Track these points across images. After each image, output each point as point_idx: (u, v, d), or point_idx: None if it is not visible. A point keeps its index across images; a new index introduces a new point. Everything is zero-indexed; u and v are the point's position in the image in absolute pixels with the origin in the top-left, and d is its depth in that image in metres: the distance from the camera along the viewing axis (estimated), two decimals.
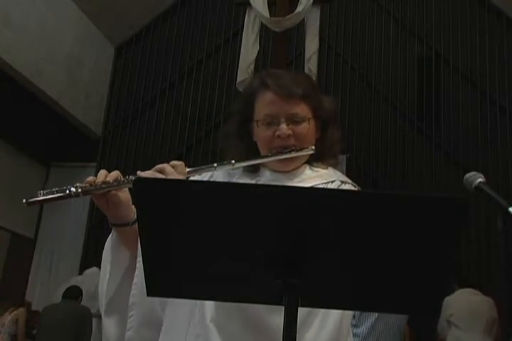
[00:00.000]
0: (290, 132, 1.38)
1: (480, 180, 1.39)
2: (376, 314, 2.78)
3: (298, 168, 1.44)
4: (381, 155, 7.57)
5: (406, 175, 7.44)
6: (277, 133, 1.38)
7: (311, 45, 6.32)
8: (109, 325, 1.37)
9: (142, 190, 0.87)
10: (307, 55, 6.35)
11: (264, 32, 6.69)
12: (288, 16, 6.16)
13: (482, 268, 6.58)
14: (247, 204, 0.85)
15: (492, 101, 7.49)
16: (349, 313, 1.33)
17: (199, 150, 7.81)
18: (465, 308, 4.72)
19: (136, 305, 1.31)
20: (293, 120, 1.39)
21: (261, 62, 6.78)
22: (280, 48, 6.48)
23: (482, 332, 4.65)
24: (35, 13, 6.80)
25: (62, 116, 7.61)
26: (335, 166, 1.47)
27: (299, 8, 6.17)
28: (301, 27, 6.57)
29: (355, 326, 2.76)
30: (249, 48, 6.33)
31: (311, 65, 6.28)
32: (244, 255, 0.91)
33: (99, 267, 1.44)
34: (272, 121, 1.39)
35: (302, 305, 0.92)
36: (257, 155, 1.43)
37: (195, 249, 0.91)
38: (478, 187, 1.38)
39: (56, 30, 7.24)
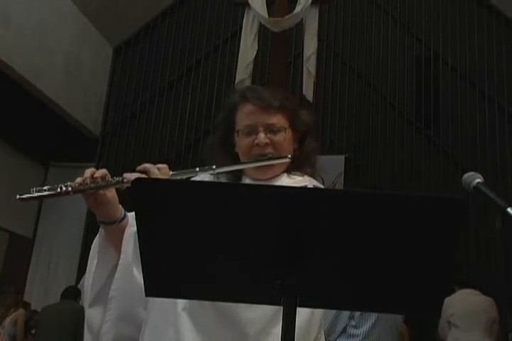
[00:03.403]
0: (267, 141, 1.48)
1: (478, 180, 1.39)
2: (376, 315, 2.78)
3: (276, 176, 1.52)
4: (379, 156, 7.57)
5: (404, 175, 7.44)
6: (256, 141, 1.48)
7: (310, 45, 6.32)
8: (93, 315, 1.43)
9: (141, 190, 0.87)
10: (306, 55, 6.35)
11: (263, 32, 6.68)
12: (286, 16, 6.17)
13: (481, 268, 6.57)
14: (246, 205, 0.85)
15: (491, 101, 7.49)
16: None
17: (198, 150, 7.79)
18: (465, 308, 4.71)
19: (115, 298, 1.38)
20: (270, 129, 1.49)
21: (260, 63, 6.78)
22: (279, 48, 6.47)
23: (482, 332, 4.65)
24: (35, 13, 6.79)
25: (60, 116, 7.61)
26: (312, 175, 1.55)
27: (298, 9, 6.17)
28: (299, 27, 6.57)
29: (355, 327, 2.77)
30: (248, 48, 6.33)
31: (310, 65, 6.28)
32: (242, 255, 0.91)
33: None
34: (251, 131, 1.49)
35: (300, 306, 0.92)
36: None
37: (193, 249, 0.91)
38: (476, 188, 1.38)
39: (55, 31, 7.24)
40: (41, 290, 7.71)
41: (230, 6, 7.81)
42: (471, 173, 1.42)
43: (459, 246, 0.88)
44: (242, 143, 1.50)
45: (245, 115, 1.50)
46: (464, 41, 7.77)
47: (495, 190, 1.37)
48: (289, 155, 1.47)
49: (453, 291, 4.73)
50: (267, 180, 1.51)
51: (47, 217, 8.00)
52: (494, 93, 7.50)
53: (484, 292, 4.88)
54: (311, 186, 1.48)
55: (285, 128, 1.49)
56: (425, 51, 7.92)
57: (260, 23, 6.34)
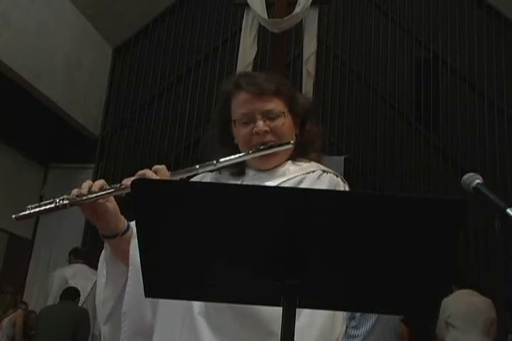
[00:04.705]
0: (267, 128, 1.41)
1: (478, 181, 1.39)
2: (375, 316, 2.79)
3: (281, 164, 1.45)
4: (379, 156, 7.57)
5: (404, 176, 7.45)
6: (255, 130, 1.41)
7: (309, 46, 6.33)
8: (109, 332, 1.39)
9: (141, 191, 0.87)
10: (305, 56, 6.35)
11: (263, 33, 6.69)
12: (286, 17, 6.17)
13: (480, 269, 6.58)
14: (246, 206, 0.85)
15: (490, 102, 7.50)
16: None
17: (198, 151, 7.79)
18: (463, 309, 4.71)
19: (127, 313, 1.33)
20: (268, 116, 1.42)
21: (259, 63, 6.78)
22: (278, 49, 6.47)
23: (480, 333, 4.64)
24: (34, 14, 6.79)
25: (60, 117, 7.60)
26: (318, 160, 1.48)
27: (297, 10, 6.18)
28: (299, 28, 6.58)
29: (355, 328, 2.78)
30: (247, 49, 6.33)
31: (309, 66, 6.28)
32: (242, 256, 0.91)
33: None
34: (248, 120, 1.42)
35: (300, 306, 0.92)
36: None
37: (193, 250, 0.91)
38: (476, 188, 1.39)
39: (55, 31, 7.24)
40: (41, 291, 7.70)
41: (229, 6, 7.81)
42: (471, 174, 1.42)
43: (459, 247, 0.88)
44: (240, 133, 1.44)
45: (240, 104, 1.43)
46: (463, 42, 7.78)
47: (494, 191, 1.37)
48: (292, 141, 1.41)
49: (451, 292, 4.72)
50: (271, 169, 1.44)
51: (46, 218, 7.97)
52: (493, 94, 7.50)
53: (483, 292, 4.88)
54: (318, 171, 1.41)
55: (284, 113, 1.43)
56: (425, 52, 7.92)
57: (260, 23, 6.34)
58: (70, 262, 6.19)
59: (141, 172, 1.33)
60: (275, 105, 1.43)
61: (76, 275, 5.86)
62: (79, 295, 5.47)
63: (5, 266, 7.46)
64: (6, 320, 5.85)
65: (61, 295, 5.41)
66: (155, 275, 0.94)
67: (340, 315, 1.30)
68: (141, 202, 0.87)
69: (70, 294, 5.41)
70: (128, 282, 1.33)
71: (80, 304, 5.53)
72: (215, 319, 1.22)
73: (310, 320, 1.22)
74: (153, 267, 0.93)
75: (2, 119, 6.66)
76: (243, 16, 6.56)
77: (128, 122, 8.41)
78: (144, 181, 0.96)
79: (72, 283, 5.65)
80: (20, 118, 6.95)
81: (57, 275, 5.99)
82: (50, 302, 5.82)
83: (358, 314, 2.77)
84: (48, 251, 7.98)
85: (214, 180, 1.50)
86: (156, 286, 0.96)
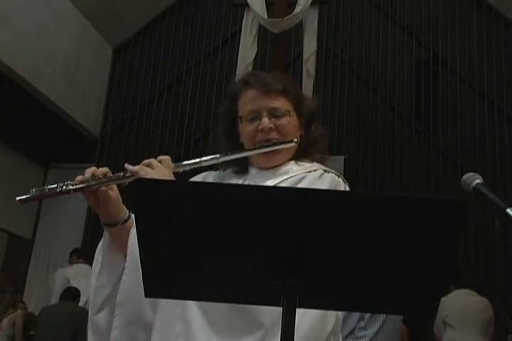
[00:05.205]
0: (272, 125, 1.43)
1: (478, 181, 1.40)
2: (383, 317, 2.78)
3: (283, 163, 1.47)
4: (379, 157, 7.57)
5: (404, 176, 7.44)
6: (260, 126, 1.43)
7: (309, 46, 6.33)
8: (101, 321, 1.37)
9: (142, 191, 0.87)
10: (305, 56, 6.36)
11: (263, 33, 6.69)
12: (286, 17, 6.17)
13: (480, 269, 6.58)
14: (247, 206, 0.86)
15: (490, 102, 7.50)
16: None
17: (197, 152, 7.79)
18: (461, 309, 4.71)
19: (122, 303, 1.32)
20: (274, 114, 1.44)
21: (259, 63, 6.79)
22: (278, 49, 6.48)
23: (478, 332, 4.64)
24: (34, 14, 6.79)
25: (60, 117, 7.60)
26: (321, 161, 1.50)
27: (297, 9, 6.18)
28: (299, 28, 6.58)
29: (363, 328, 2.77)
30: (247, 49, 6.34)
31: (309, 66, 6.28)
32: (243, 256, 0.91)
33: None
34: (254, 117, 1.45)
35: (300, 306, 0.92)
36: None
37: (193, 250, 0.91)
38: (476, 188, 1.39)
39: (55, 31, 7.24)
40: (41, 291, 7.70)
41: (229, 6, 7.81)
42: (471, 174, 1.42)
43: (459, 247, 0.88)
44: (245, 129, 1.46)
45: (248, 100, 1.46)
46: (463, 42, 7.77)
47: (494, 191, 1.37)
48: (295, 139, 1.43)
49: (449, 291, 4.72)
50: (274, 168, 1.46)
51: (46, 218, 8.00)
52: (493, 94, 7.50)
53: (481, 292, 4.87)
54: (320, 170, 1.43)
55: (289, 112, 1.45)
56: (424, 52, 7.92)
57: (260, 23, 6.35)
58: (72, 262, 6.20)
59: (146, 161, 1.37)
60: (281, 103, 1.45)
61: (78, 275, 5.88)
62: (79, 295, 5.47)
63: (5, 266, 7.46)
64: (5, 320, 5.85)
65: (61, 295, 5.41)
66: (155, 275, 0.94)
67: (333, 313, 1.30)
68: (142, 202, 0.87)
69: (70, 294, 5.41)
70: (125, 271, 1.33)
71: (82, 304, 5.53)
72: (208, 306, 1.23)
73: (301, 317, 1.21)
74: (154, 267, 0.93)
75: (2, 119, 6.66)
76: (243, 16, 6.56)
77: (128, 122, 8.40)
78: (146, 181, 0.97)
79: (73, 283, 5.66)
80: (20, 118, 6.94)
81: (59, 276, 6.00)
82: (52, 302, 5.83)
83: (367, 315, 2.76)
84: (47, 251, 7.97)
85: (217, 178, 1.52)
86: (157, 286, 0.96)
